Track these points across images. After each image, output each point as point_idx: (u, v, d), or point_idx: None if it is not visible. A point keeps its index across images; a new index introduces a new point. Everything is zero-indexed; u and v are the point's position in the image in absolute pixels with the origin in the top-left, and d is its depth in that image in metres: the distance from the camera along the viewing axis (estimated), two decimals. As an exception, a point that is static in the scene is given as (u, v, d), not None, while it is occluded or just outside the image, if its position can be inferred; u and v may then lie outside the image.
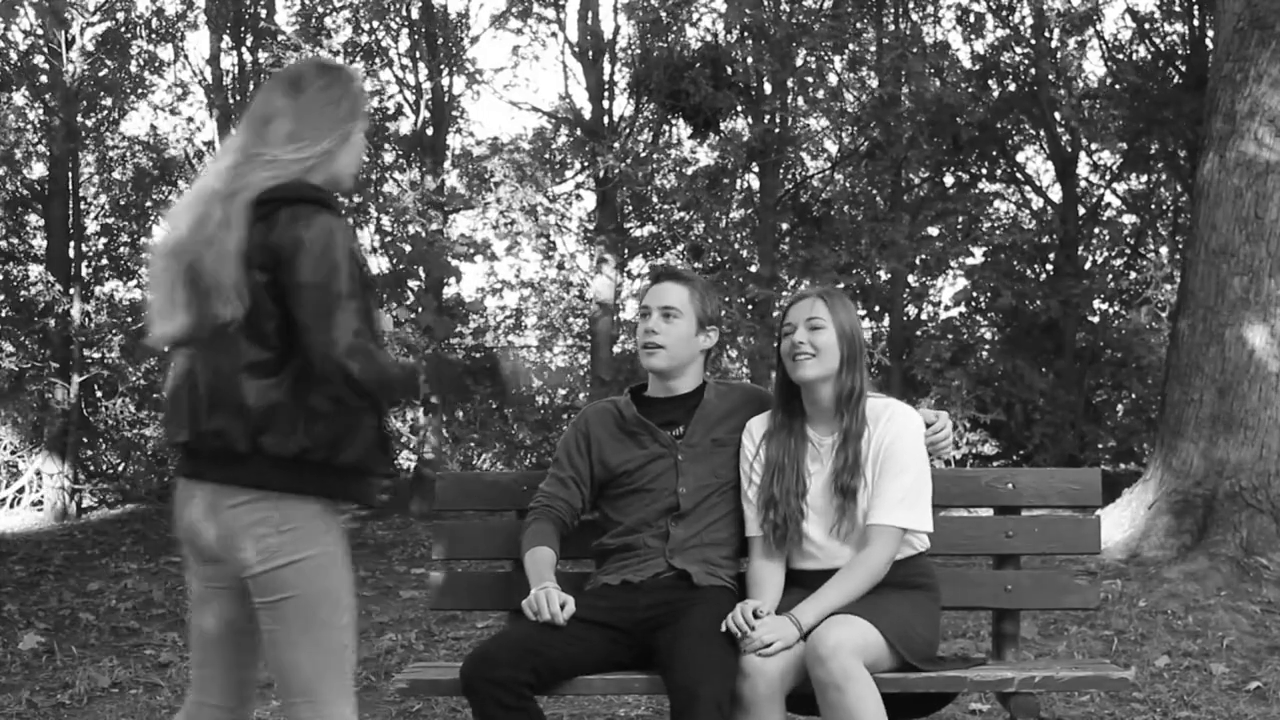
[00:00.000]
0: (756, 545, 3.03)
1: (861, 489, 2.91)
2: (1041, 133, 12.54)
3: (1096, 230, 12.75)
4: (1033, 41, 12.00)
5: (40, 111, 11.13)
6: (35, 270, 11.69)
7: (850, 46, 11.92)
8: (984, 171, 12.90)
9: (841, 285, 10.86)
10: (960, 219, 12.37)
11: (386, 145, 12.25)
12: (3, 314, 11.65)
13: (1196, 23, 11.75)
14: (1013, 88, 12.24)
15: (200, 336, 2.32)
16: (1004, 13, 12.34)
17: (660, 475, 3.09)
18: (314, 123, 2.38)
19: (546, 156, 11.76)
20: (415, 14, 11.56)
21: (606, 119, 11.75)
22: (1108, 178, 13.06)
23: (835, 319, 2.94)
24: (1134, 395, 12.45)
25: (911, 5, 12.43)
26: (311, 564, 2.33)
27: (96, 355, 11.72)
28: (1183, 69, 11.80)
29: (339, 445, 2.32)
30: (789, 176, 12.63)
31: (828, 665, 2.65)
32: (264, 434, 2.27)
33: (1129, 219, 13.07)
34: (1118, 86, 11.87)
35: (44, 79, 11.15)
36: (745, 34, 11.57)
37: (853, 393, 2.94)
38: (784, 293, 12.20)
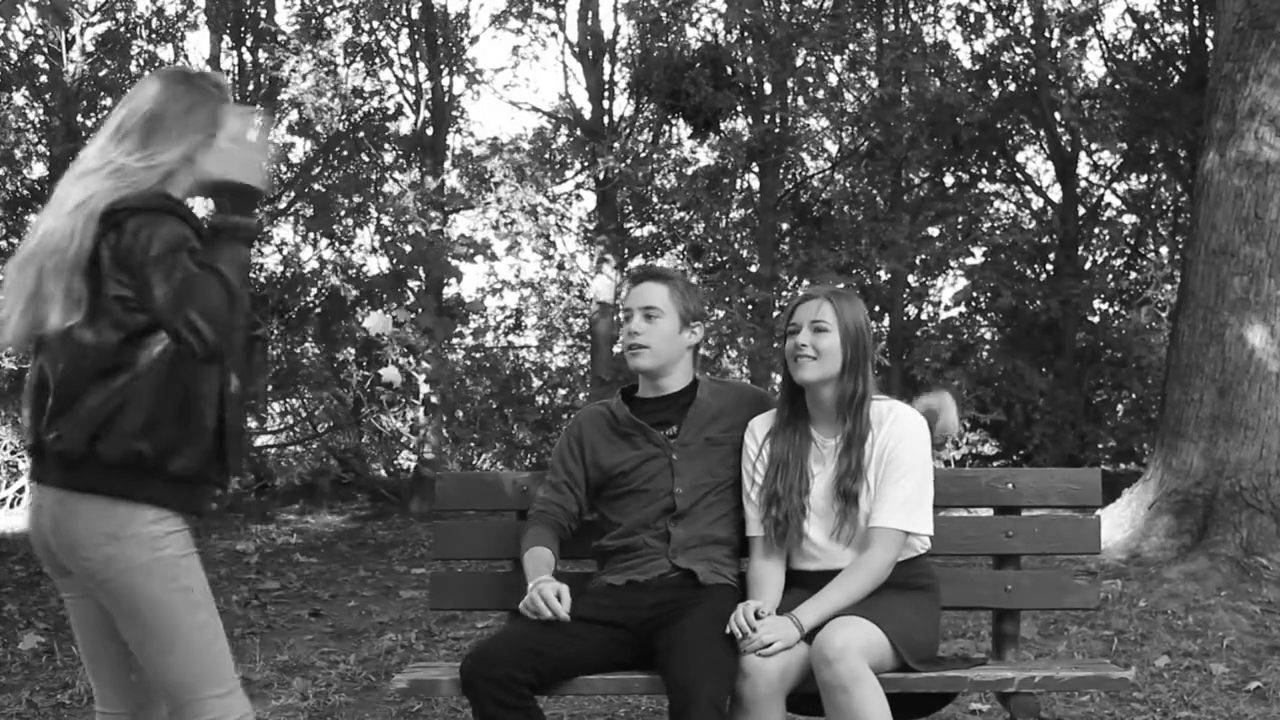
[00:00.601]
0: (757, 545, 3.03)
1: (864, 493, 2.91)
2: (1041, 133, 12.55)
3: (1096, 230, 12.76)
4: (1033, 41, 12.01)
5: (40, 111, 11.13)
6: (35, 270, 11.68)
7: (850, 47, 11.93)
8: (984, 171, 12.91)
9: (842, 286, 10.87)
10: (960, 219, 12.39)
11: (386, 145, 12.26)
12: (3, 314, 11.65)
13: (1196, 23, 11.76)
14: (1013, 88, 12.25)
15: (43, 343, 2.33)
16: (1004, 13, 12.35)
17: (655, 475, 3.09)
18: (167, 131, 2.35)
19: (546, 156, 11.76)
20: (415, 14, 11.56)
21: (606, 119, 11.75)
22: (1108, 178, 13.07)
23: (841, 322, 2.92)
24: (1134, 395, 12.46)
25: (911, 5, 12.44)
26: (157, 568, 2.31)
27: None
28: (1183, 69, 11.81)
29: (173, 453, 2.32)
30: (789, 177, 12.63)
31: (835, 667, 2.65)
32: (99, 439, 2.27)
33: (1129, 219, 13.08)
34: (1118, 86, 11.88)
35: (44, 79, 11.16)
36: (745, 34, 11.58)
37: (855, 396, 2.92)
38: (784, 293, 12.20)
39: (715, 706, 2.66)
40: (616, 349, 11.98)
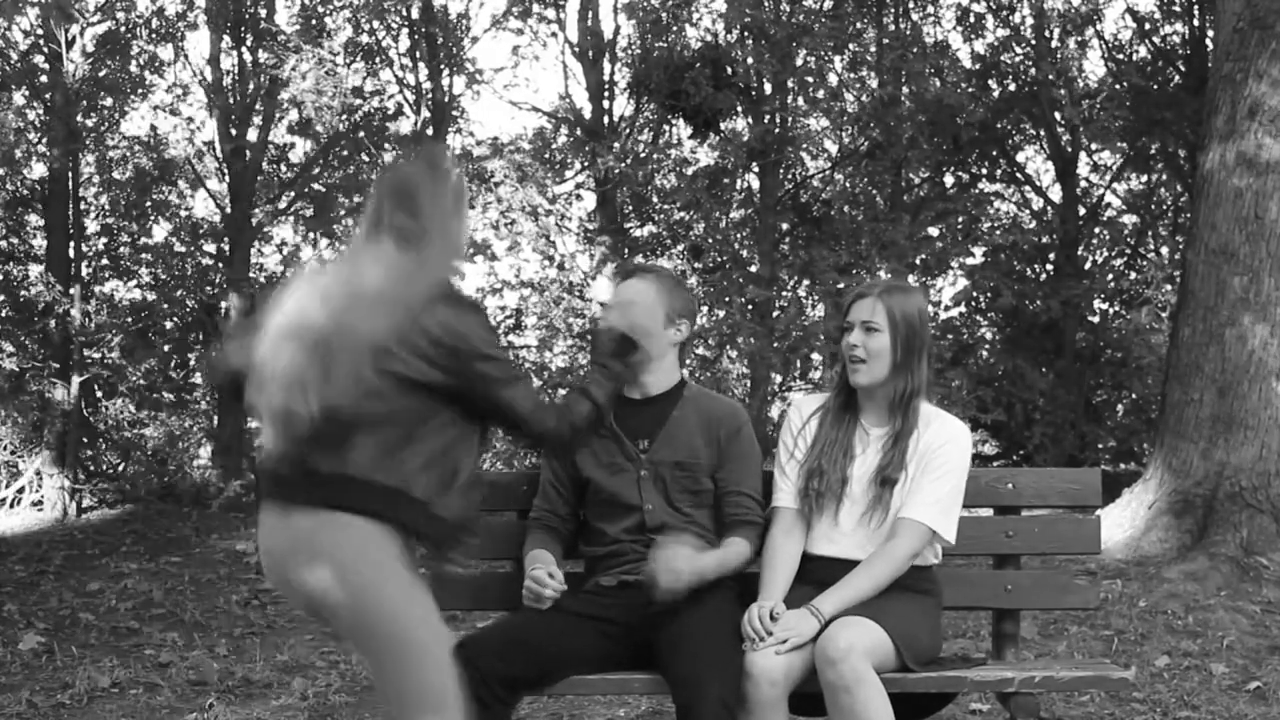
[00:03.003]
0: (781, 517, 3.02)
1: (901, 483, 2.93)
2: (1041, 133, 12.54)
3: (1097, 230, 12.75)
4: (1033, 41, 12.01)
5: (40, 111, 11.13)
6: (35, 270, 11.69)
7: (850, 47, 11.92)
8: (984, 171, 12.90)
9: (842, 285, 10.86)
10: (960, 219, 12.38)
11: (386, 145, 12.25)
12: (3, 314, 11.64)
13: (1196, 23, 11.75)
14: (1013, 88, 12.24)
15: (339, 417, 2.48)
16: (1004, 13, 12.35)
17: (625, 489, 3.04)
18: (440, 227, 2.63)
19: (546, 156, 11.75)
20: (415, 14, 11.55)
21: (606, 119, 11.75)
22: (1108, 178, 13.06)
23: (892, 320, 2.93)
24: (1134, 395, 12.45)
25: (911, 5, 12.43)
26: (402, 590, 2.52)
27: (96, 355, 11.71)
28: (1183, 69, 11.80)
29: (441, 494, 2.55)
30: (789, 176, 12.62)
31: (838, 668, 2.64)
32: (378, 472, 2.48)
33: (1129, 219, 13.07)
34: (1118, 86, 11.88)
35: (44, 79, 11.14)
36: (745, 34, 11.57)
37: (905, 394, 2.95)
38: (784, 293, 12.20)
39: (724, 704, 2.63)
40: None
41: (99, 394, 11.97)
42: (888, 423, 2.99)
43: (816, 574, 2.95)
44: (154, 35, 11.77)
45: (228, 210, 11.93)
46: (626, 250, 12.59)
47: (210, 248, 12.63)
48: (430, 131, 11.51)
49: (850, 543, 2.96)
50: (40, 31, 10.92)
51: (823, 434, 3.03)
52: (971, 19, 12.35)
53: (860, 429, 3.02)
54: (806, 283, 12.20)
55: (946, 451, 2.93)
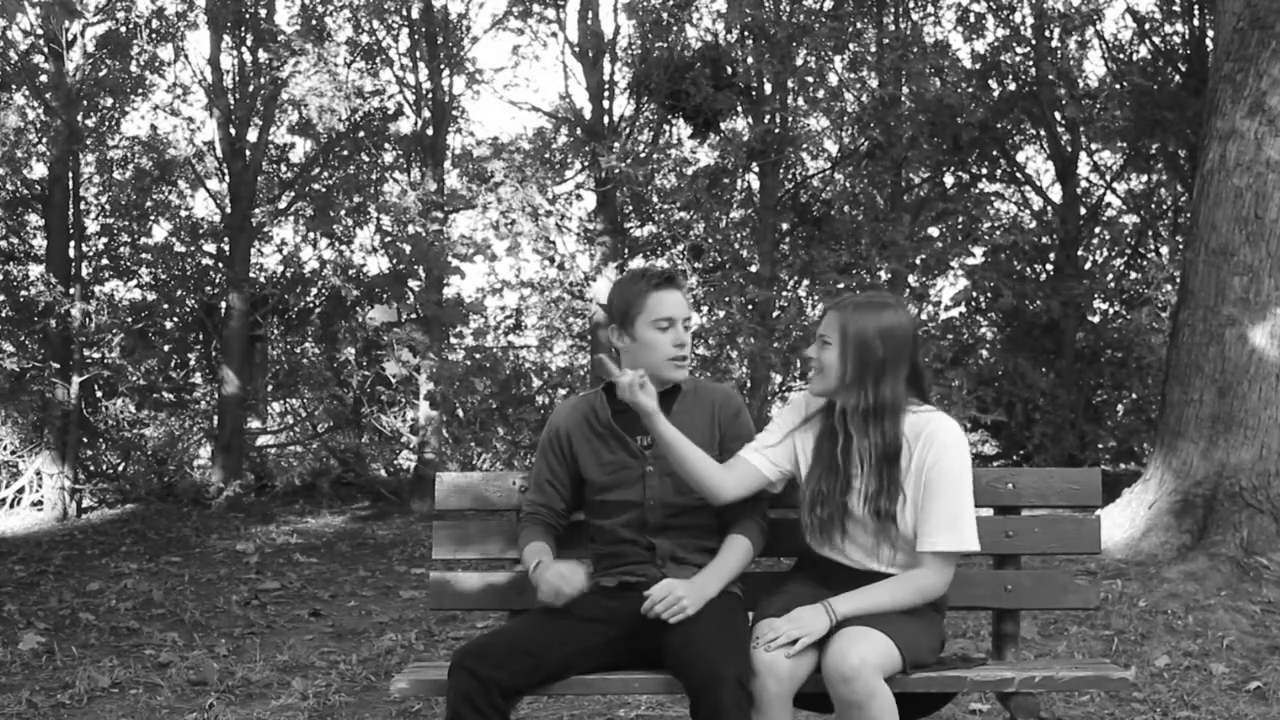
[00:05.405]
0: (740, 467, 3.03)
1: (901, 509, 2.86)
2: (1042, 133, 12.54)
3: (1097, 230, 12.75)
4: (1033, 41, 12.01)
5: (40, 111, 11.13)
6: (35, 270, 11.69)
7: (851, 46, 11.92)
8: (984, 171, 12.90)
9: (842, 286, 10.86)
10: (960, 219, 12.37)
11: (386, 145, 12.26)
12: (3, 314, 11.65)
13: (1196, 23, 11.75)
14: (1013, 88, 12.24)
15: None
16: (1004, 13, 12.35)
17: (630, 486, 3.03)
18: None
19: (546, 156, 11.74)
20: (415, 14, 11.55)
21: (606, 119, 11.74)
22: (1108, 178, 13.06)
23: (842, 334, 2.86)
24: (1134, 395, 12.46)
25: (911, 5, 12.44)
26: None
27: (96, 355, 11.72)
28: (1183, 69, 11.81)
29: None
30: (789, 176, 12.62)
31: (852, 685, 2.64)
32: None
33: (1130, 219, 13.07)
34: (1119, 86, 11.88)
35: (44, 79, 11.15)
36: (746, 34, 11.57)
37: (867, 409, 2.86)
38: (784, 293, 12.19)
39: (740, 684, 2.62)
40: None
41: (99, 394, 11.97)
42: (867, 440, 2.91)
43: (823, 569, 2.96)
44: (154, 35, 11.77)
45: (228, 210, 11.92)
46: (626, 250, 12.59)
47: (210, 248, 12.63)
48: (430, 131, 11.51)
49: (860, 554, 2.96)
50: (40, 31, 10.92)
51: (821, 454, 2.98)
52: (971, 19, 12.35)
53: (854, 449, 2.96)
54: (806, 283, 12.20)
55: (947, 461, 2.84)
